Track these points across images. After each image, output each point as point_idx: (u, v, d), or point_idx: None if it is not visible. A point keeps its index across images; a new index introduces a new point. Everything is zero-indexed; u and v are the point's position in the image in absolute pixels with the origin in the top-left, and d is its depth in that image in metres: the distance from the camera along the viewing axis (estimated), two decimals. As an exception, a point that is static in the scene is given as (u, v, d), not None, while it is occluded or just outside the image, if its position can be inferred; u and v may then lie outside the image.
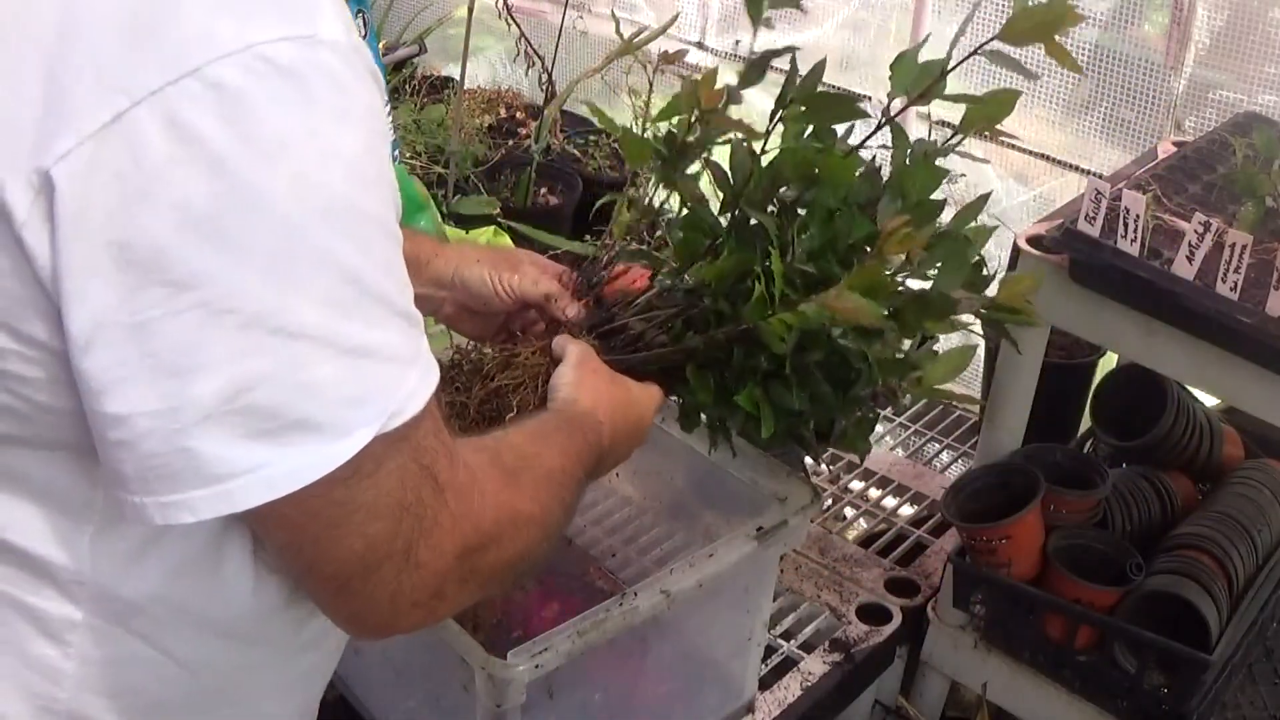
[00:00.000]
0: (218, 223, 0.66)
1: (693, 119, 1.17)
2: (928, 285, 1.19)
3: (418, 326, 0.76)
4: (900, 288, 1.17)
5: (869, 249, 1.15)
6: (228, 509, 0.70)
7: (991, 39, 1.14)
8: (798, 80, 1.20)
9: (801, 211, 1.20)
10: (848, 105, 1.22)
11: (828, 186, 1.18)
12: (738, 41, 1.33)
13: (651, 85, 2.38)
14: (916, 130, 2.46)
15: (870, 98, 2.54)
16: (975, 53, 1.17)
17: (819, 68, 1.21)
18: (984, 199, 1.24)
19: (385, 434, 0.72)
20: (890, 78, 1.20)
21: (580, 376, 1.09)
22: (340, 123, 0.69)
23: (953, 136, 1.23)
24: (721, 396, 1.21)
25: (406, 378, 0.74)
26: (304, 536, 0.74)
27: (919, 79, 1.19)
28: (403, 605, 0.79)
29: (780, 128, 1.23)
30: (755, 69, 1.21)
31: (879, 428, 2.31)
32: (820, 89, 1.23)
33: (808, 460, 2.10)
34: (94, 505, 0.78)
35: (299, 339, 0.68)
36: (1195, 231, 1.40)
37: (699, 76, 1.17)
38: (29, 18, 0.67)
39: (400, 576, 0.77)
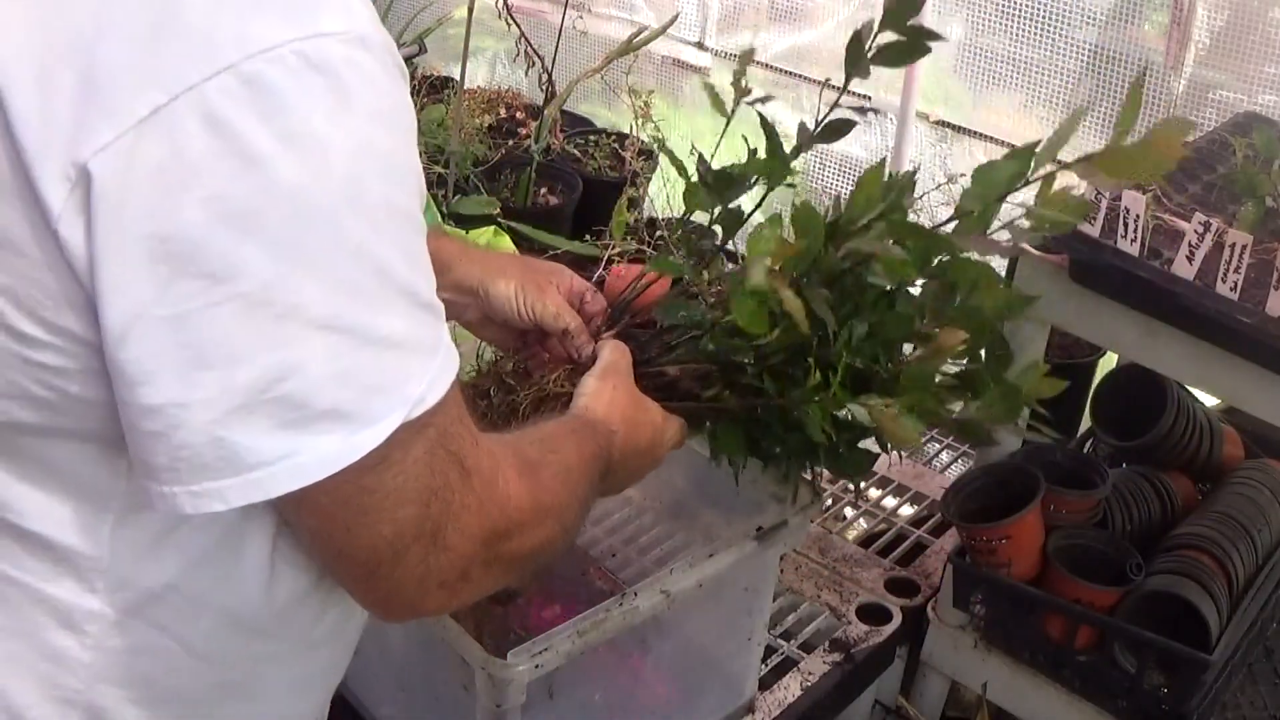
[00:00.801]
0: (254, 216, 0.67)
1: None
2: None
3: (439, 316, 0.77)
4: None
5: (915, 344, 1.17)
6: (259, 497, 0.71)
7: (1080, 159, 1.08)
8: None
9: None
10: (946, 244, 1.18)
11: (889, 269, 1.17)
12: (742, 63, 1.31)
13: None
14: (921, 132, 2.45)
15: (870, 97, 2.54)
16: (1062, 166, 1.12)
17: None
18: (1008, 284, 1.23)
19: (412, 421, 0.74)
20: (971, 186, 1.17)
21: (600, 388, 1.11)
22: (373, 118, 0.70)
23: (1015, 235, 1.20)
24: (750, 448, 1.24)
25: (429, 366, 0.75)
26: (335, 523, 0.76)
27: (996, 185, 1.15)
28: (430, 587, 0.80)
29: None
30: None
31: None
32: (823, 91, 1.24)
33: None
34: (117, 494, 0.78)
35: (331, 330, 0.69)
36: (1195, 231, 1.40)
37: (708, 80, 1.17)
38: (64, 14, 0.68)
39: (428, 559, 0.79)
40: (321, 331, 0.69)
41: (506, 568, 0.87)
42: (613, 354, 1.15)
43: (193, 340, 0.68)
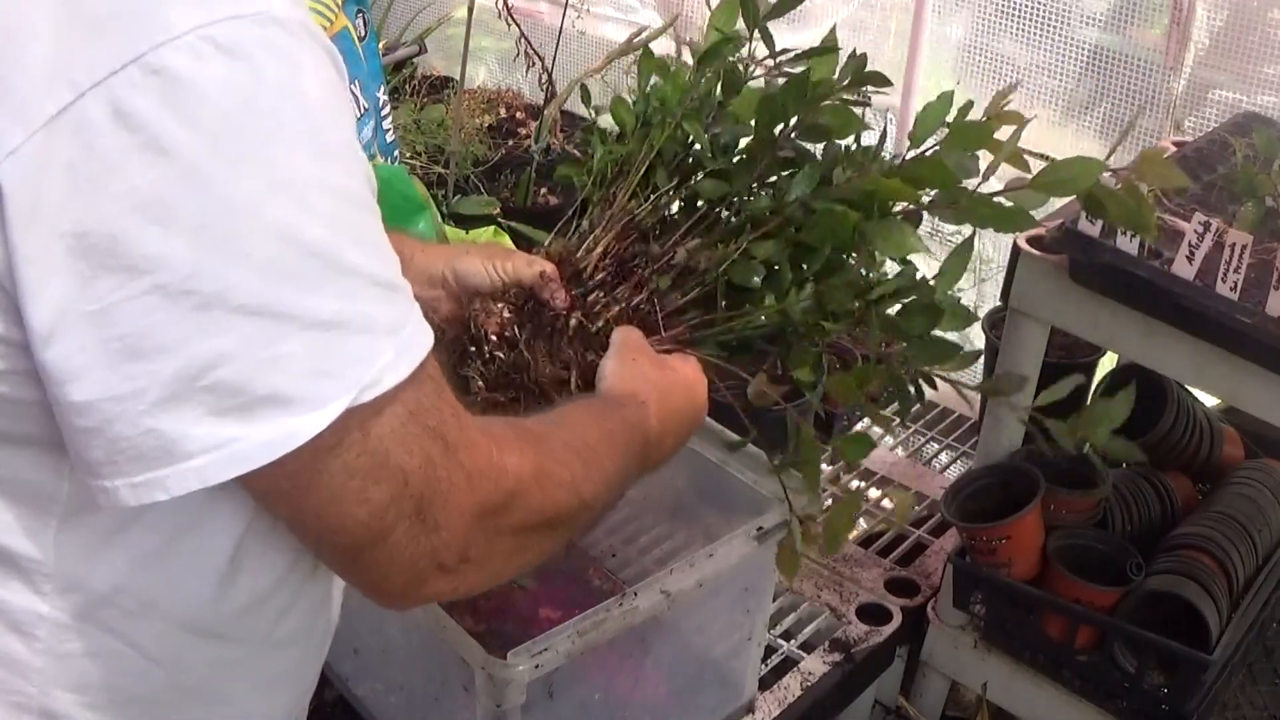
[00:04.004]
0: (169, 206, 0.66)
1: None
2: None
3: (400, 293, 0.76)
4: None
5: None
6: (198, 484, 0.70)
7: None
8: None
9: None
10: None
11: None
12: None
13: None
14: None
15: (870, 98, 2.54)
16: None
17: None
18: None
19: (370, 401, 0.72)
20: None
21: (620, 366, 1.10)
22: (290, 98, 0.69)
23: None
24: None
25: (382, 348, 0.73)
26: (305, 511, 0.75)
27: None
28: (426, 570, 0.79)
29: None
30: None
31: (878, 428, 2.31)
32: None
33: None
34: (58, 497, 0.77)
35: (260, 316, 0.68)
36: (1195, 231, 1.40)
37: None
38: None
39: (417, 540, 0.77)
40: (251, 317, 0.68)
41: (515, 546, 0.85)
42: (623, 333, 1.14)
43: (118, 334, 0.67)
